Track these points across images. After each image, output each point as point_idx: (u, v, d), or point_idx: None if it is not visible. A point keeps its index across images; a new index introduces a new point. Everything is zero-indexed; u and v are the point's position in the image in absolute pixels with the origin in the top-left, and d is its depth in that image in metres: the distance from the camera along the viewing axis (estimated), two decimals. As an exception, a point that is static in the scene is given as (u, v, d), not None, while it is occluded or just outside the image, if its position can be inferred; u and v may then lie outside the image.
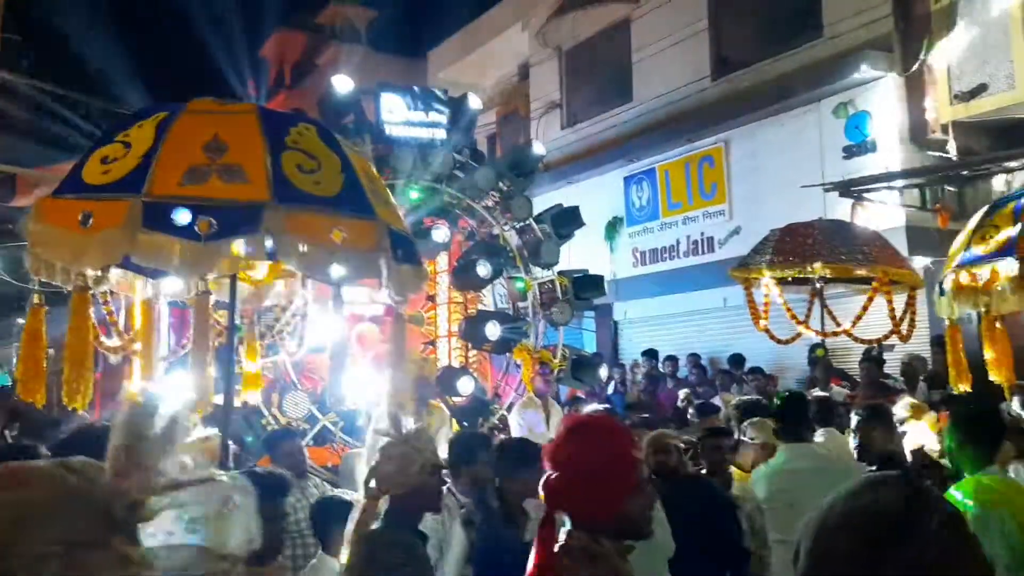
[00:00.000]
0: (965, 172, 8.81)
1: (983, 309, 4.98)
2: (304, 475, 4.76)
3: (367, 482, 2.57)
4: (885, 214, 9.23)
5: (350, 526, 2.59)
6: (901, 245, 8.97)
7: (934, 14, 9.18)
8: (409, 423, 2.61)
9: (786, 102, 10.54)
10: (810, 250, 6.83)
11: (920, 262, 8.77)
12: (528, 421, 6.22)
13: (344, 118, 7.46)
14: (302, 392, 6.26)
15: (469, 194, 8.11)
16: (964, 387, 5.12)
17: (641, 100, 13.11)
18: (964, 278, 4.76)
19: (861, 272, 6.80)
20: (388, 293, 3.23)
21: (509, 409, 7.32)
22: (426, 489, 2.62)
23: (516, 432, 6.21)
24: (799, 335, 7.48)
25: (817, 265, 6.72)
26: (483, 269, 7.64)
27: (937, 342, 8.01)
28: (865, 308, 7.28)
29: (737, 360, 10.30)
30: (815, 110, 10.30)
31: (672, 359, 11.43)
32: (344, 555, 2.64)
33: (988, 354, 5.00)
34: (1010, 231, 4.51)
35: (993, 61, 8.65)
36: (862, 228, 7.52)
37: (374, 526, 2.57)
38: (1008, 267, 4.42)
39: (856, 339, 7.41)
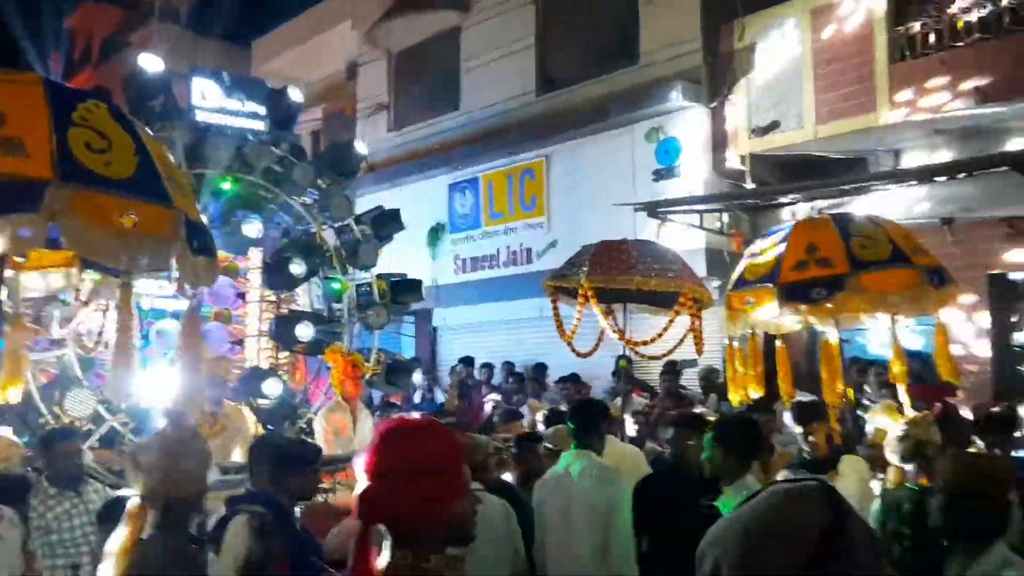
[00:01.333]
0: (758, 201, 9.53)
1: (750, 330, 5.39)
2: (82, 479, 4.43)
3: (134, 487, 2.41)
4: (687, 236, 9.82)
5: (117, 535, 2.42)
6: (700, 265, 9.58)
7: (738, 52, 9.90)
8: (187, 424, 2.48)
9: (604, 123, 11.00)
10: (626, 264, 7.14)
11: (716, 282, 9.39)
12: (334, 425, 6.10)
13: (152, 100, 7.05)
14: (87, 389, 5.81)
15: (286, 189, 7.88)
16: (738, 400, 5.52)
17: (468, 109, 13.27)
18: (738, 301, 5.15)
19: (671, 288, 7.17)
20: (181, 286, 3.08)
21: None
22: (197, 492, 2.48)
23: (321, 436, 6.07)
24: (596, 347, 7.79)
25: (636, 277, 7.04)
26: (297, 268, 7.44)
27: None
28: (671, 321, 7.70)
29: (540, 369, 10.61)
30: (630, 133, 10.81)
31: (488, 366, 11.60)
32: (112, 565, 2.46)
33: (750, 371, 5.41)
34: (774, 260, 4.94)
35: (786, 101, 9.44)
36: (665, 248, 7.96)
37: (145, 534, 2.42)
38: (770, 292, 4.82)
39: (643, 355, 7.81)
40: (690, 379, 9.28)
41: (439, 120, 13.74)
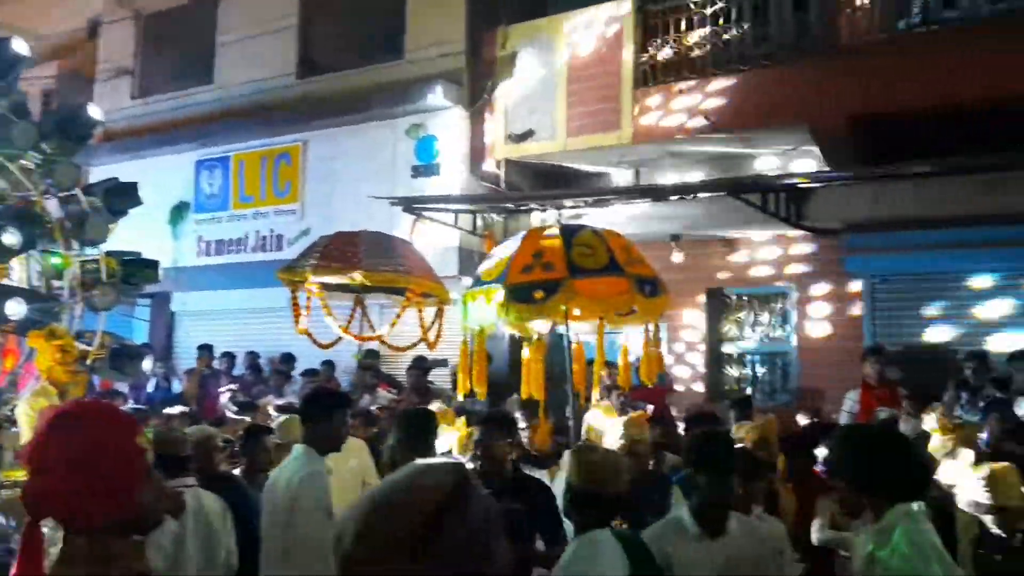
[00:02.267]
0: (510, 205, 9.89)
1: (476, 328, 5.60)
2: None
3: None
4: (442, 234, 9.98)
5: None
6: (453, 264, 9.80)
7: (499, 59, 10.20)
8: None
9: (365, 114, 10.88)
10: (353, 258, 7.11)
11: (467, 281, 9.63)
12: (39, 412, 5.52)
13: None
14: None
15: (2, 150, 7.03)
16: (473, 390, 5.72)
17: (222, 85, 12.60)
18: (472, 299, 5.37)
19: (399, 283, 7.24)
20: None
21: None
22: None
23: (25, 424, 5.49)
24: (339, 339, 7.76)
25: (357, 275, 7.03)
26: (10, 238, 6.66)
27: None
28: (399, 316, 7.78)
29: (287, 360, 10.35)
30: (391, 127, 10.78)
31: (229, 355, 11.12)
32: None
33: (475, 367, 5.62)
34: (505, 262, 5.22)
35: (540, 112, 9.86)
36: (402, 241, 8.03)
37: None
38: (497, 293, 5.07)
39: (390, 346, 7.90)
40: (442, 376, 9.47)
41: (190, 92, 12.92)
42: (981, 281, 8.29)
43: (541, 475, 4.67)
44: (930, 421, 5.21)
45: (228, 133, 12.11)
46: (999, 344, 7.92)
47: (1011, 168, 7.28)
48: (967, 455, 5.03)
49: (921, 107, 7.52)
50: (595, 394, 6.07)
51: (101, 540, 1.77)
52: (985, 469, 3.83)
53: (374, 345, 8.96)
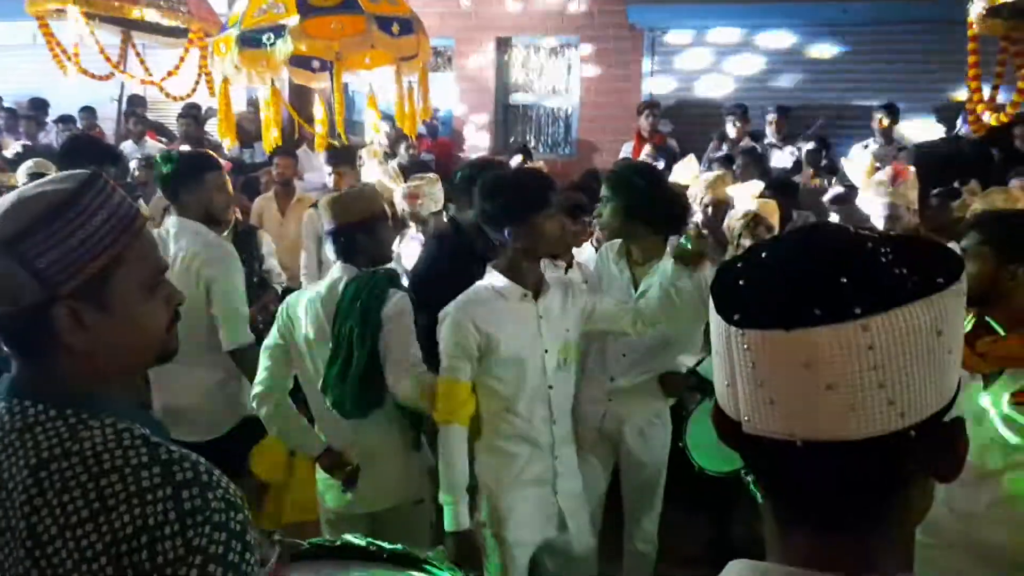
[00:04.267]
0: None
1: (222, 76, 5.22)
2: None
3: None
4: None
5: None
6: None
7: None
8: None
9: None
10: None
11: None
12: None
13: None
14: None
15: None
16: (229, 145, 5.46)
17: None
18: (216, 48, 4.96)
19: (171, 20, 6.54)
20: None
21: None
22: None
23: None
24: (112, 75, 7.01)
25: (135, 7, 6.26)
26: None
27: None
28: (182, 59, 7.14)
29: (38, 105, 9.37)
30: None
31: (-31, 99, 9.90)
32: None
33: (221, 115, 5.30)
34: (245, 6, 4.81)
35: None
36: None
37: None
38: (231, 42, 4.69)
39: (168, 95, 7.28)
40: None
41: None
42: (751, 37, 8.61)
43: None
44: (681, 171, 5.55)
45: None
46: (759, 99, 8.41)
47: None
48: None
49: None
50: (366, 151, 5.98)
51: None
52: None
53: (138, 89, 8.25)
